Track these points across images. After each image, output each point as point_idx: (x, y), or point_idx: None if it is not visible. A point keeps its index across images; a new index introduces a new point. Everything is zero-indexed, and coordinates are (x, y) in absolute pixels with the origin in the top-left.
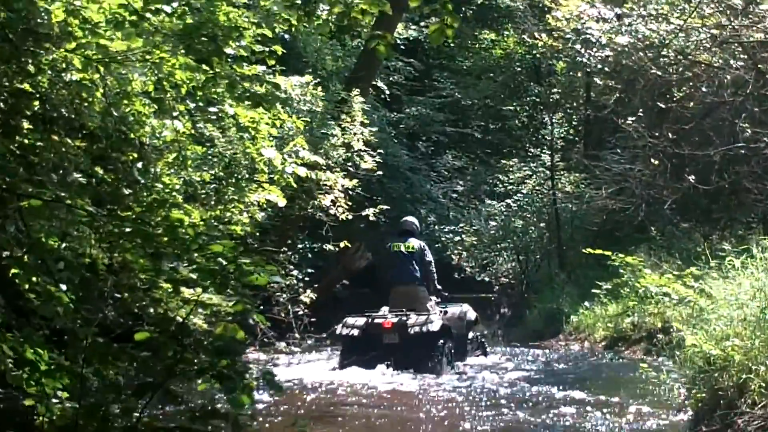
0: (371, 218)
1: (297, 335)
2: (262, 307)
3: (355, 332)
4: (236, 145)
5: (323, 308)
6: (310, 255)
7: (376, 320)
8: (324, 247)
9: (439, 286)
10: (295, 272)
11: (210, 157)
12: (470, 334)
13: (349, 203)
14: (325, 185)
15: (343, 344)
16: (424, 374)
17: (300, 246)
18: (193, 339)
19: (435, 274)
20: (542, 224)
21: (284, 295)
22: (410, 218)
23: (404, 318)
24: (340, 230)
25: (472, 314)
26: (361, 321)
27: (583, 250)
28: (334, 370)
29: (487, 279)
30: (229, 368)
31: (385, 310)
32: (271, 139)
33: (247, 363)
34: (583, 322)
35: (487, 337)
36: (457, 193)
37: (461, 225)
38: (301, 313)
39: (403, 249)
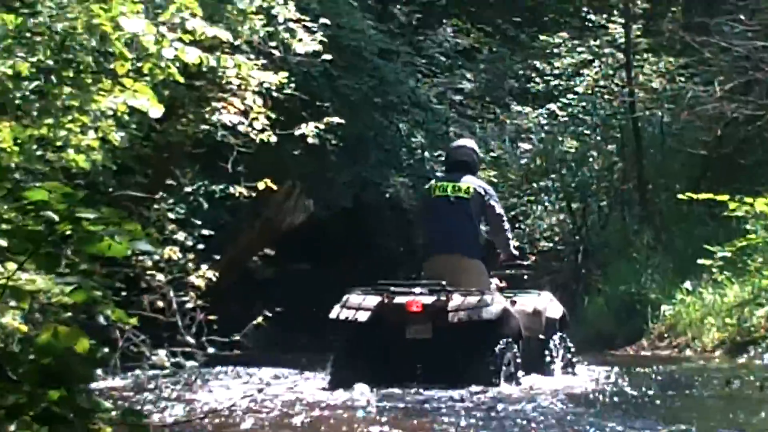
0: (311, 140)
1: (188, 341)
2: (124, 297)
3: (362, 317)
4: (75, 13)
5: (232, 296)
6: (207, 205)
7: (397, 300)
8: (231, 190)
9: (515, 253)
10: (180, 235)
11: (29, 34)
12: (553, 339)
13: (275, 114)
14: (233, 83)
15: (339, 340)
16: (470, 388)
17: (189, 190)
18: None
19: (509, 237)
20: (611, 147)
21: (161, 275)
22: (465, 141)
23: (442, 298)
24: (260, 162)
25: (555, 308)
26: (371, 299)
27: (681, 194)
28: (321, 390)
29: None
30: (64, 405)
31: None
32: (137, 1)
33: (95, 394)
34: (683, 316)
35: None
36: (463, 94)
37: None
38: (192, 304)
39: (450, 193)
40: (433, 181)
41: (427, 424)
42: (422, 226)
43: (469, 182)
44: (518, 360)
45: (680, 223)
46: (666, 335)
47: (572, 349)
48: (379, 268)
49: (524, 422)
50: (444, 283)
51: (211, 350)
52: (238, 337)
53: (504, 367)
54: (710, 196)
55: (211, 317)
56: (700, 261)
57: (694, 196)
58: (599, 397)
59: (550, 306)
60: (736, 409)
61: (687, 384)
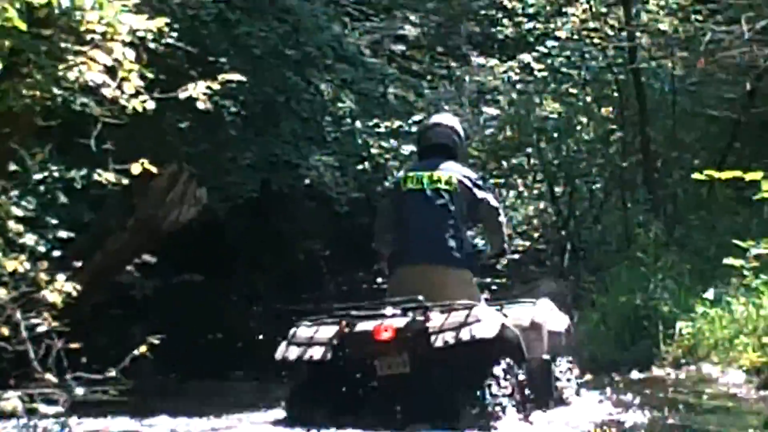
0: (202, 106)
1: (47, 378)
2: None
3: (318, 354)
4: None
5: (102, 318)
6: (64, 199)
7: (360, 326)
8: (96, 177)
9: (508, 249)
10: (29, 239)
11: None
12: (559, 360)
13: (152, 73)
14: (95, 31)
15: (293, 384)
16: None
17: (39, 177)
18: None
19: (506, 236)
20: (605, 111)
21: (3, 291)
22: (441, 118)
23: (418, 318)
24: (134, 138)
25: (559, 320)
26: (326, 330)
27: (700, 172)
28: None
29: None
30: None
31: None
32: None
33: None
34: (706, 335)
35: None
36: (406, 44)
37: (417, 118)
38: (45, 327)
39: (427, 186)
40: (402, 172)
41: None
42: (386, 228)
43: (451, 171)
44: (525, 387)
45: (699, 211)
46: (684, 360)
47: (576, 374)
48: (298, 278)
49: None
50: (420, 298)
51: (79, 391)
52: (113, 373)
53: (507, 398)
54: (739, 174)
55: (74, 345)
56: (726, 261)
57: (717, 175)
58: None
59: (552, 317)
60: None
61: (714, 425)
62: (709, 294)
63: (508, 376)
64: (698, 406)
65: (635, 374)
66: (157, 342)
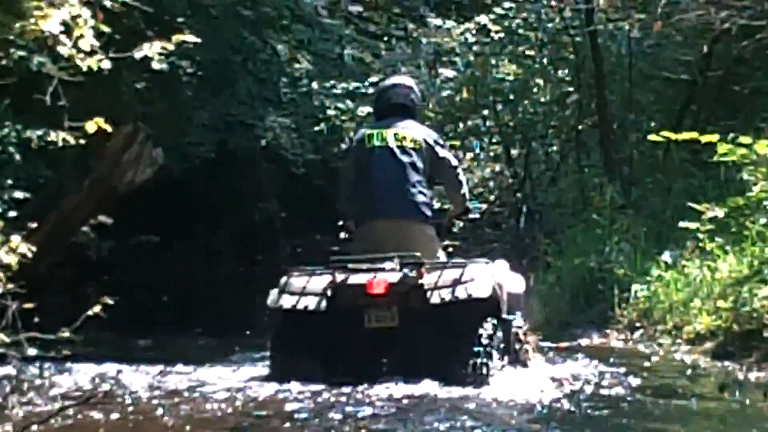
0: (157, 65)
1: None
2: None
3: (309, 304)
4: None
5: (57, 280)
6: (18, 158)
7: (353, 278)
8: (52, 137)
9: (470, 207)
10: None
11: None
12: (517, 320)
13: (108, 30)
14: None
15: (279, 331)
16: (454, 386)
17: None
18: None
19: (467, 192)
20: (562, 73)
21: None
22: (400, 79)
23: (411, 273)
24: (90, 98)
25: (517, 281)
26: (318, 281)
27: (656, 134)
28: (258, 382)
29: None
30: None
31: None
32: None
33: None
34: (662, 298)
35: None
36: (363, 4)
37: (374, 79)
38: (0, 289)
39: (391, 142)
40: (365, 129)
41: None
42: (349, 185)
43: (414, 129)
44: (501, 346)
45: (655, 173)
46: (639, 324)
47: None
48: (254, 238)
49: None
50: (418, 254)
51: (31, 351)
52: (67, 333)
53: (496, 355)
54: (695, 136)
55: (28, 306)
56: (682, 224)
57: (674, 137)
58: (562, 404)
59: (511, 278)
60: (733, 426)
61: (668, 389)
62: (665, 257)
63: (496, 334)
64: (651, 372)
65: (587, 339)
66: (111, 302)
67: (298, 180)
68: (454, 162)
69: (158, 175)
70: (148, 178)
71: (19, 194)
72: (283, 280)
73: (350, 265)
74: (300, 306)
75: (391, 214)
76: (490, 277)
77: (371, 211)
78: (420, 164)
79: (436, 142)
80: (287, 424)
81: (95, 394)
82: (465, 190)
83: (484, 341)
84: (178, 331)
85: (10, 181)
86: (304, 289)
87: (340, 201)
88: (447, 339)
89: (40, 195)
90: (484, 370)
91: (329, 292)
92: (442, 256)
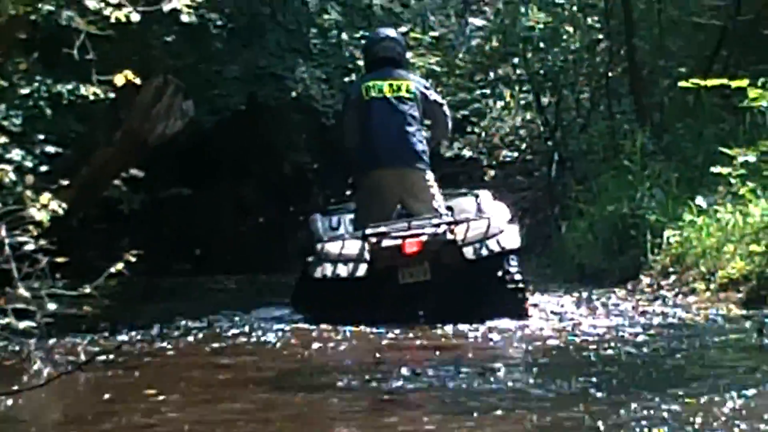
0: (186, 18)
1: (21, 293)
2: None
3: (362, 271)
4: None
5: (89, 234)
6: (50, 112)
7: (386, 241)
8: (83, 91)
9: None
10: (15, 154)
11: None
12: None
13: None
14: None
15: (318, 296)
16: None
17: (24, 92)
18: None
19: (450, 126)
20: (591, 20)
21: None
22: (386, 31)
23: (439, 230)
24: (119, 52)
25: (502, 212)
26: (353, 245)
27: (686, 80)
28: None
29: (467, 152)
30: None
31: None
32: None
33: None
34: (694, 243)
35: None
36: None
37: (404, 29)
38: (32, 246)
39: (388, 93)
40: (360, 82)
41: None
42: (352, 136)
43: (408, 78)
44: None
45: (686, 119)
46: (672, 269)
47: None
48: (285, 189)
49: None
50: (448, 213)
51: (52, 306)
52: (88, 290)
53: (521, 292)
54: (725, 81)
55: (61, 260)
56: (714, 169)
57: (704, 83)
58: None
59: (497, 208)
60: None
61: (703, 333)
62: (698, 202)
63: (520, 270)
64: (685, 317)
65: (606, 292)
66: (134, 259)
67: (329, 131)
68: (442, 101)
69: (188, 127)
70: (179, 130)
71: (50, 149)
72: (318, 247)
73: (383, 228)
74: (345, 274)
75: (395, 163)
76: (512, 225)
77: (374, 162)
78: (416, 113)
79: (426, 87)
80: (323, 376)
81: (114, 349)
82: (450, 125)
83: (517, 277)
84: (210, 280)
85: (41, 136)
86: (341, 256)
87: (346, 139)
88: (483, 282)
89: (71, 150)
90: (524, 303)
91: (367, 257)
92: (441, 200)
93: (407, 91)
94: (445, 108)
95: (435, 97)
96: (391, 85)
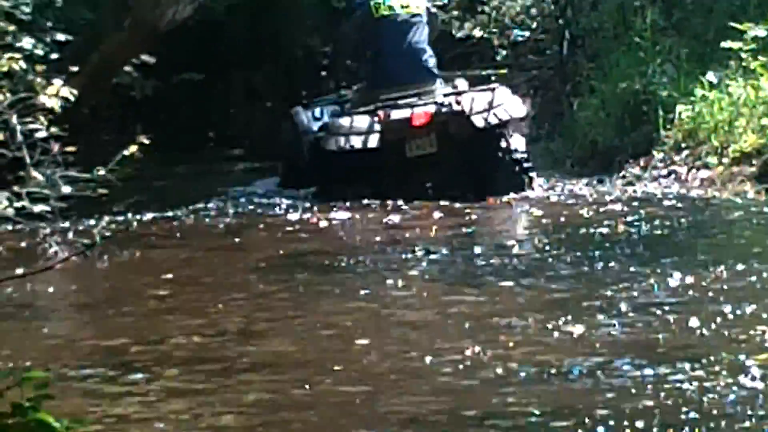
0: None
1: (35, 176)
2: None
3: (374, 142)
4: None
5: (100, 121)
6: None
7: (395, 114)
8: None
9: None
10: (25, 42)
11: None
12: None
13: None
14: None
15: (330, 167)
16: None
17: None
18: None
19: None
20: None
21: None
22: None
23: (446, 102)
24: None
25: (517, 105)
26: (363, 120)
27: None
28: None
29: (478, 32)
30: None
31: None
32: None
33: None
34: (706, 118)
35: None
36: None
37: None
38: (44, 133)
39: (399, 10)
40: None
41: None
42: (364, 53)
43: None
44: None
45: None
46: (684, 144)
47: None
48: (297, 74)
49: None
50: (457, 82)
51: (66, 189)
52: (102, 171)
53: (526, 165)
54: None
55: (71, 149)
56: (725, 44)
57: None
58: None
59: (511, 101)
60: None
61: (716, 208)
62: (709, 77)
63: (524, 146)
64: (699, 194)
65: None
66: (147, 141)
67: (341, 14)
68: (434, 10)
69: (200, 12)
70: (189, 15)
71: (60, 36)
72: (330, 122)
73: (393, 95)
74: (358, 146)
75: (408, 80)
76: (518, 98)
77: (387, 80)
78: (426, 29)
79: (429, 9)
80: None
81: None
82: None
83: (521, 148)
84: (222, 160)
85: (50, 24)
86: (351, 129)
87: (341, 54)
88: (491, 155)
89: (81, 36)
90: (530, 174)
91: (378, 129)
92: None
93: (417, 8)
94: (438, 17)
95: (435, 11)
96: (401, 3)
